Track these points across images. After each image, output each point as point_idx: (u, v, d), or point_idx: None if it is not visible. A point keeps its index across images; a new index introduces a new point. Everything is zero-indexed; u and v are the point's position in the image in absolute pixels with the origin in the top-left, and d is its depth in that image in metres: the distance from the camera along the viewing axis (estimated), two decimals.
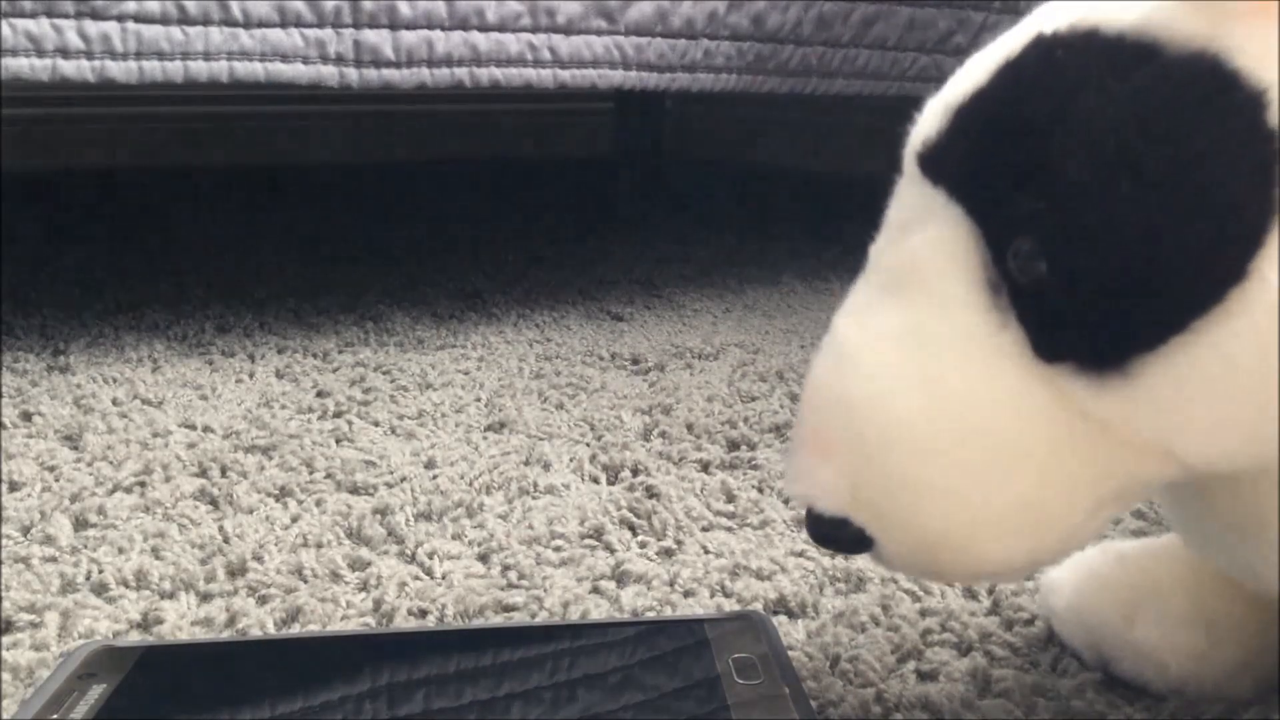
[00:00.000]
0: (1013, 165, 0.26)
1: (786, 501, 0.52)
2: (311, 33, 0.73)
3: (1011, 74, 0.27)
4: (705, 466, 0.56)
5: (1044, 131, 0.26)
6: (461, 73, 0.79)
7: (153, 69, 0.69)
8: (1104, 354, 0.25)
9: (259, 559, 0.45)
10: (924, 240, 0.28)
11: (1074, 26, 0.27)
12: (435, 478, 0.54)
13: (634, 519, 0.49)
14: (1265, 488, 0.28)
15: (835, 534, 0.29)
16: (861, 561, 0.45)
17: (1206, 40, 0.25)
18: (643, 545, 0.47)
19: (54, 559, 0.45)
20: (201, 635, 0.40)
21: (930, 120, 0.29)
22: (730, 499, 0.52)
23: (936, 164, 0.28)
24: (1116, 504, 0.28)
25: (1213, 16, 0.25)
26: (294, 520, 0.49)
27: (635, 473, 0.55)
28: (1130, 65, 0.25)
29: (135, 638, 0.39)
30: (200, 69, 0.71)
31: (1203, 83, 0.24)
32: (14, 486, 0.52)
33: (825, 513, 0.29)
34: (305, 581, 0.43)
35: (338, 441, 0.59)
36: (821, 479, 0.28)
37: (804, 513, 0.30)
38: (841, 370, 0.29)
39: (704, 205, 1.58)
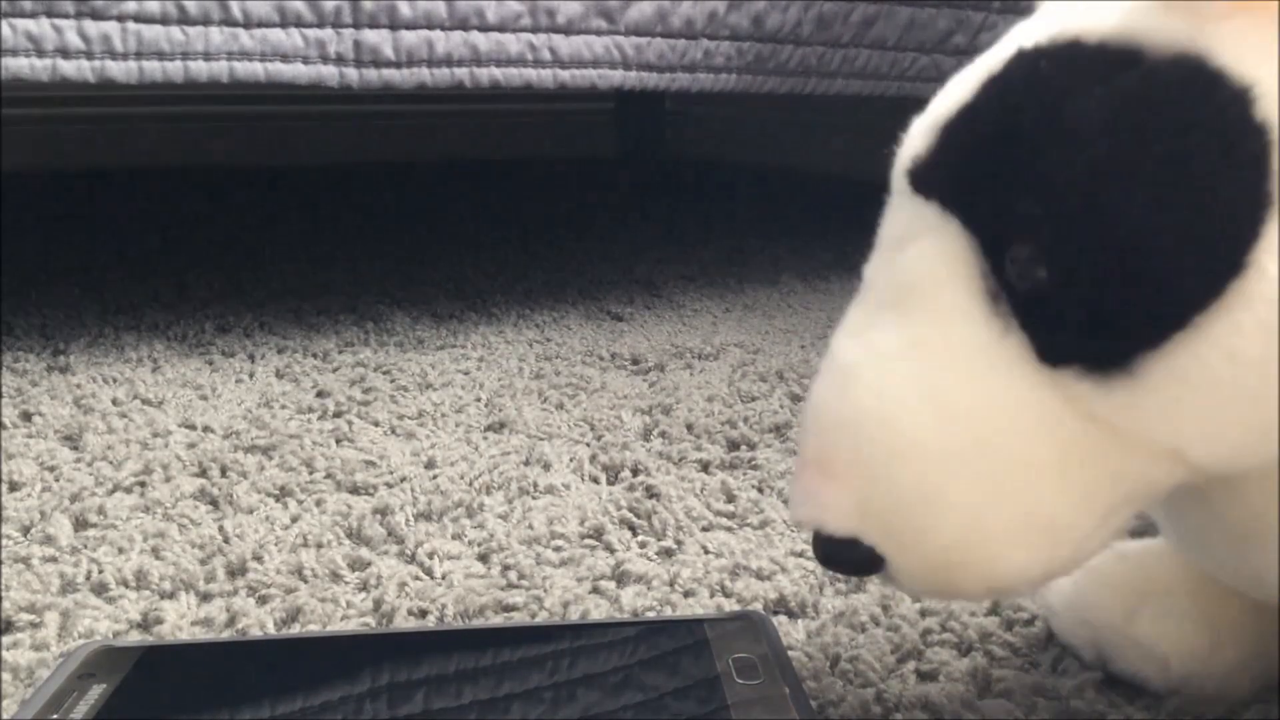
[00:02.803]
0: (1005, 173, 0.26)
1: (786, 501, 0.52)
2: (311, 33, 0.73)
3: (997, 87, 0.27)
4: (705, 466, 0.56)
5: (1034, 138, 0.26)
6: (461, 73, 0.79)
7: (153, 69, 0.70)
8: (1108, 354, 0.25)
9: (259, 559, 0.45)
10: (919, 254, 0.28)
11: (1055, 38, 0.27)
12: (435, 478, 0.54)
13: (634, 519, 0.49)
14: (1269, 491, 0.28)
15: (845, 555, 0.28)
16: None
17: (1188, 42, 0.25)
18: (643, 545, 0.47)
19: (54, 559, 0.45)
20: (201, 635, 0.40)
21: (918, 138, 0.29)
22: (730, 499, 0.52)
23: (928, 179, 0.28)
24: (1127, 510, 0.28)
25: (1191, 18, 0.25)
26: (294, 520, 0.49)
27: (635, 473, 0.55)
28: (1115, 70, 0.25)
29: (135, 638, 0.39)
30: (200, 69, 0.71)
31: (1188, 82, 0.25)
32: (14, 486, 0.52)
33: (835, 534, 0.28)
34: (305, 581, 0.43)
35: (338, 441, 0.59)
36: (828, 500, 0.28)
37: (811, 537, 0.29)
38: (844, 389, 0.28)
39: (704, 205, 1.58)
